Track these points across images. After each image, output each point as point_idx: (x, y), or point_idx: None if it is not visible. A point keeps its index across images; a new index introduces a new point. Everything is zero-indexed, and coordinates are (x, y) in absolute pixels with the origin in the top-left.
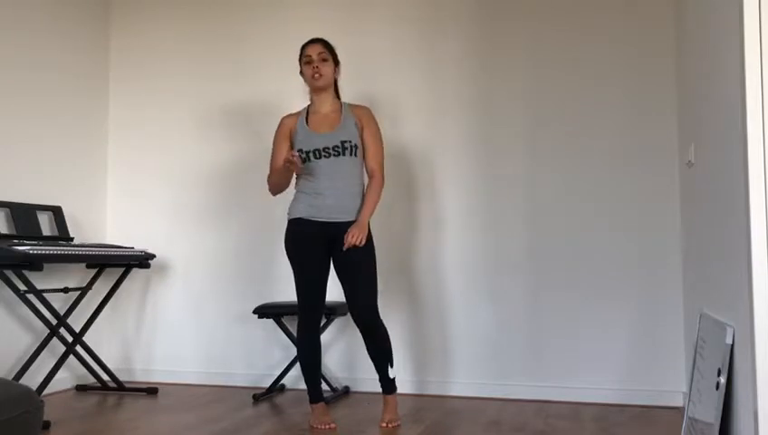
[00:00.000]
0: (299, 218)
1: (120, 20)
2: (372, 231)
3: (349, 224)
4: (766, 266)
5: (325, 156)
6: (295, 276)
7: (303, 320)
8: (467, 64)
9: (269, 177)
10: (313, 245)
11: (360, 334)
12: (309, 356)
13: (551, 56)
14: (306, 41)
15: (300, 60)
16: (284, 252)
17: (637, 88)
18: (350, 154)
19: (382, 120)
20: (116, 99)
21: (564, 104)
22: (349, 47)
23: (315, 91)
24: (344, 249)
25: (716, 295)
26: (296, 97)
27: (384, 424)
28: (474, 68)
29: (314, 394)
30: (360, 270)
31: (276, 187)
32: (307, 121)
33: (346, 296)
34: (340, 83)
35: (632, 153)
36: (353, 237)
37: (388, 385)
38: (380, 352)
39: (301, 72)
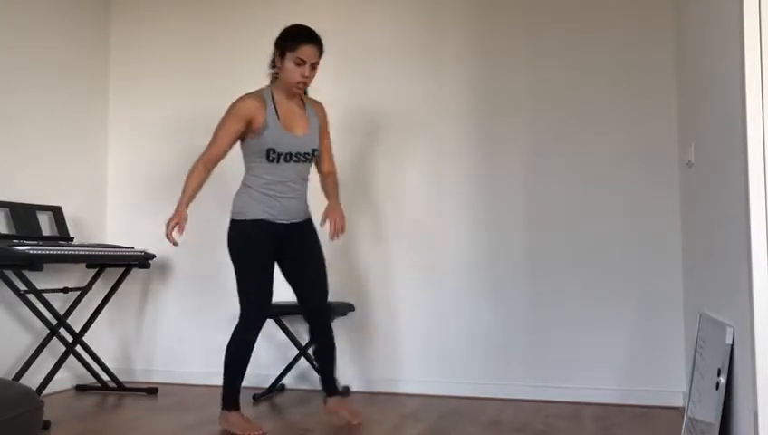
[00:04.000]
0: (259, 220)
1: (121, 19)
2: (372, 229)
3: (301, 223)
4: (766, 266)
5: (295, 160)
6: (249, 278)
7: (255, 322)
8: (467, 62)
9: (199, 165)
10: (271, 246)
11: (359, 334)
12: (248, 357)
13: (551, 56)
14: (303, 33)
15: (287, 48)
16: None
17: (636, 88)
18: (312, 161)
19: (380, 119)
20: (116, 98)
21: (564, 104)
22: (348, 43)
23: (288, 91)
24: (332, 238)
25: (716, 295)
26: None
27: (357, 422)
28: (473, 66)
29: (237, 399)
30: (320, 266)
31: (198, 186)
32: (277, 114)
33: (303, 294)
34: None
35: (632, 153)
36: (341, 224)
37: (336, 384)
38: (333, 348)
39: (279, 57)
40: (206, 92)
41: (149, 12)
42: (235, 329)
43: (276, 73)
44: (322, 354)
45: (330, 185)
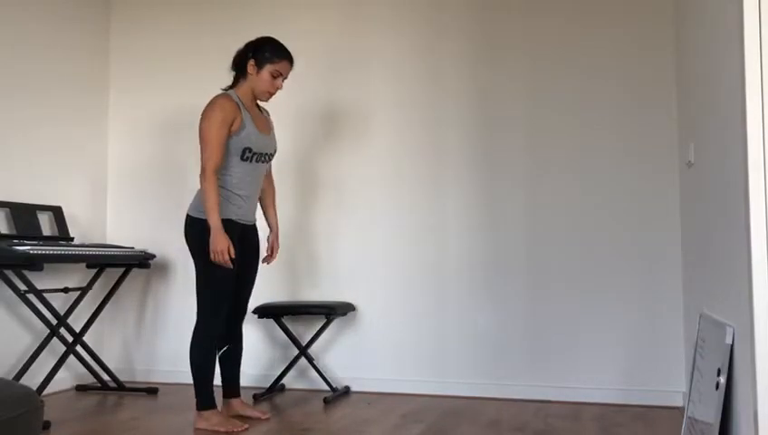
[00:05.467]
0: (229, 220)
1: (121, 19)
2: (374, 230)
3: (253, 227)
4: (766, 266)
5: (262, 161)
6: (220, 277)
7: (221, 321)
8: (466, 65)
9: (211, 178)
10: (238, 246)
11: (359, 334)
12: (216, 355)
13: (550, 57)
14: (285, 49)
15: (267, 60)
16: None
17: (637, 88)
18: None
19: (380, 121)
20: (116, 98)
21: (564, 105)
22: (349, 47)
23: (253, 98)
24: (267, 262)
25: (716, 295)
26: (296, 94)
27: (268, 416)
28: (473, 69)
29: (212, 397)
30: (256, 274)
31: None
32: (250, 115)
33: (234, 295)
34: (338, 86)
35: (632, 153)
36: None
37: (239, 386)
38: (241, 354)
39: (255, 66)
40: (206, 93)
41: (149, 12)
42: (203, 331)
43: (238, 77)
44: (235, 356)
45: (271, 197)
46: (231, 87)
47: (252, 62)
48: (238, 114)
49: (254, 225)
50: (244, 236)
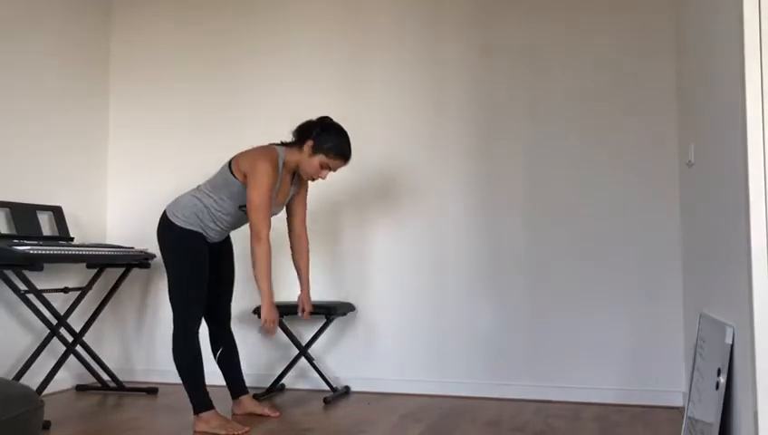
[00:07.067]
0: (198, 233)
1: (121, 20)
2: (374, 230)
3: (223, 241)
4: (766, 267)
5: None
6: (197, 284)
7: (198, 326)
8: (467, 66)
9: (265, 246)
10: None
11: (359, 334)
12: (201, 357)
13: (551, 57)
14: (347, 153)
15: (325, 152)
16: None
17: (636, 88)
18: None
19: (380, 121)
20: (116, 98)
21: (564, 104)
22: (351, 48)
23: (295, 170)
24: (302, 315)
25: (716, 295)
26: (296, 102)
27: (277, 414)
28: (473, 69)
29: (209, 398)
30: (233, 279)
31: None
32: (278, 186)
33: (212, 299)
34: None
35: (632, 153)
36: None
37: (244, 384)
38: (237, 353)
39: (311, 148)
40: (205, 93)
41: (149, 13)
42: (182, 333)
43: (294, 143)
44: (231, 356)
45: (304, 255)
46: (286, 144)
47: (311, 143)
48: (276, 180)
49: (225, 238)
50: (212, 251)
